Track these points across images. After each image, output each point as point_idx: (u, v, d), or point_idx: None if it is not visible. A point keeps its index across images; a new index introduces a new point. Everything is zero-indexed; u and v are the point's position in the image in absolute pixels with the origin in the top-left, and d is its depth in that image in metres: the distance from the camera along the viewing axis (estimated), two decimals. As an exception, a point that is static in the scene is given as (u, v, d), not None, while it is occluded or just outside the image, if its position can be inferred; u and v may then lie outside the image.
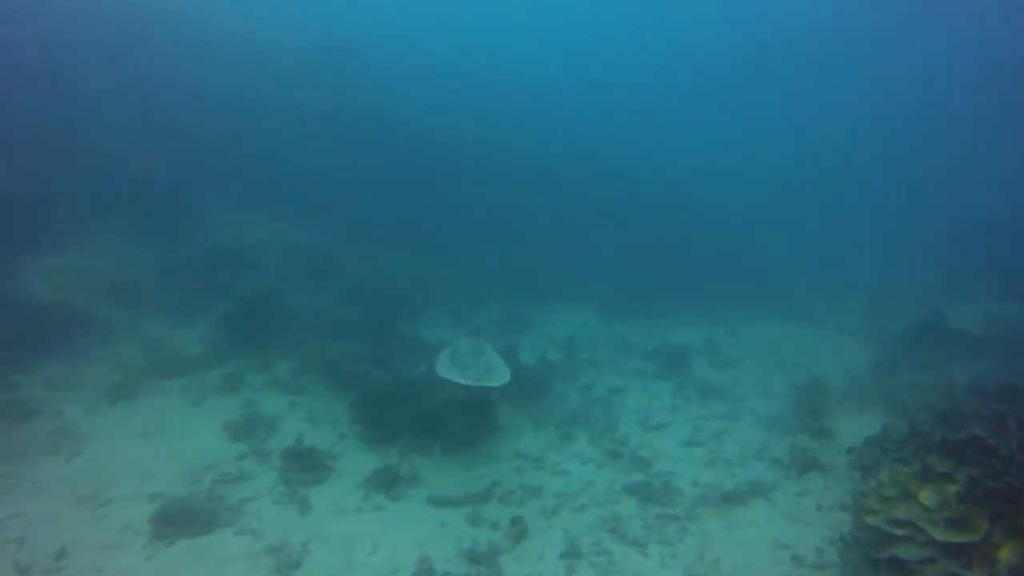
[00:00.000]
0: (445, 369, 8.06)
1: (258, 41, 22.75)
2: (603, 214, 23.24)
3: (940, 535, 4.58)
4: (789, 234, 25.35)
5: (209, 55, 20.45)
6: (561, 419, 10.16)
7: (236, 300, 12.85)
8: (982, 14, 39.30)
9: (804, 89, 48.30)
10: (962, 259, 17.60)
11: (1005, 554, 4.32)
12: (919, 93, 46.16)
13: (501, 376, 8.17)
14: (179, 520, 6.66)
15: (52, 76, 16.82)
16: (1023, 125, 39.38)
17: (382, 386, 9.44)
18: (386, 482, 7.92)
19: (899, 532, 4.71)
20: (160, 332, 12.39)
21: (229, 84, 19.97)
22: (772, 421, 10.08)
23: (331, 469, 8.33)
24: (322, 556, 6.52)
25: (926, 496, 4.74)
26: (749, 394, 11.33)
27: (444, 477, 8.29)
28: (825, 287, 18.96)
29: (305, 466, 8.15)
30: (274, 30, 24.25)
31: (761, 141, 41.18)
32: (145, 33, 19.88)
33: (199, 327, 12.77)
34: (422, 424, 9.07)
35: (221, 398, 10.33)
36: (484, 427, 9.34)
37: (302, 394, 10.67)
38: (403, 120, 22.84)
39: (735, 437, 9.62)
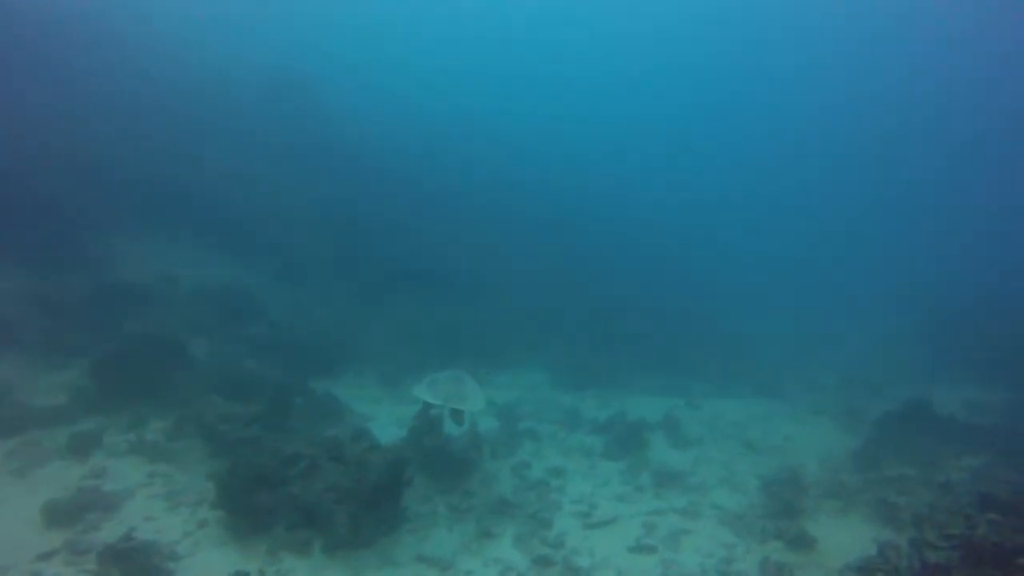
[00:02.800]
0: (420, 391, 7.97)
1: (185, 57, 21.34)
2: (563, 272, 21.95)
3: None
4: (761, 305, 24.43)
5: (118, 67, 18.81)
6: (485, 508, 8.28)
7: (119, 342, 10.82)
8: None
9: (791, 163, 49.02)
10: (941, 342, 16.59)
11: None
12: (906, 176, 47.25)
13: (473, 403, 7.89)
14: None
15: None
16: (1011, 207, 40.16)
17: (257, 461, 7.46)
18: (233, 598, 5.91)
19: None
20: (14, 376, 10.21)
21: (144, 98, 18.28)
22: (739, 520, 8.38)
23: (169, 575, 6.26)
24: None
25: None
26: (712, 483, 9.64)
27: (317, 590, 6.30)
28: (797, 363, 17.74)
29: (130, 572, 6.08)
30: (214, 53, 22.99)
31: (737, 209, 41.21)
32: (43, 43, 18.26)
33: (68, 373, 10.64)
34: (302, 513, 7.11)
35: (61, 465, 8.18)
36: (385, 517, 7.41)
37: (171, 462, 8.60)
38: (352, 159, 21.47)
39: (695, 541, 7.85)
